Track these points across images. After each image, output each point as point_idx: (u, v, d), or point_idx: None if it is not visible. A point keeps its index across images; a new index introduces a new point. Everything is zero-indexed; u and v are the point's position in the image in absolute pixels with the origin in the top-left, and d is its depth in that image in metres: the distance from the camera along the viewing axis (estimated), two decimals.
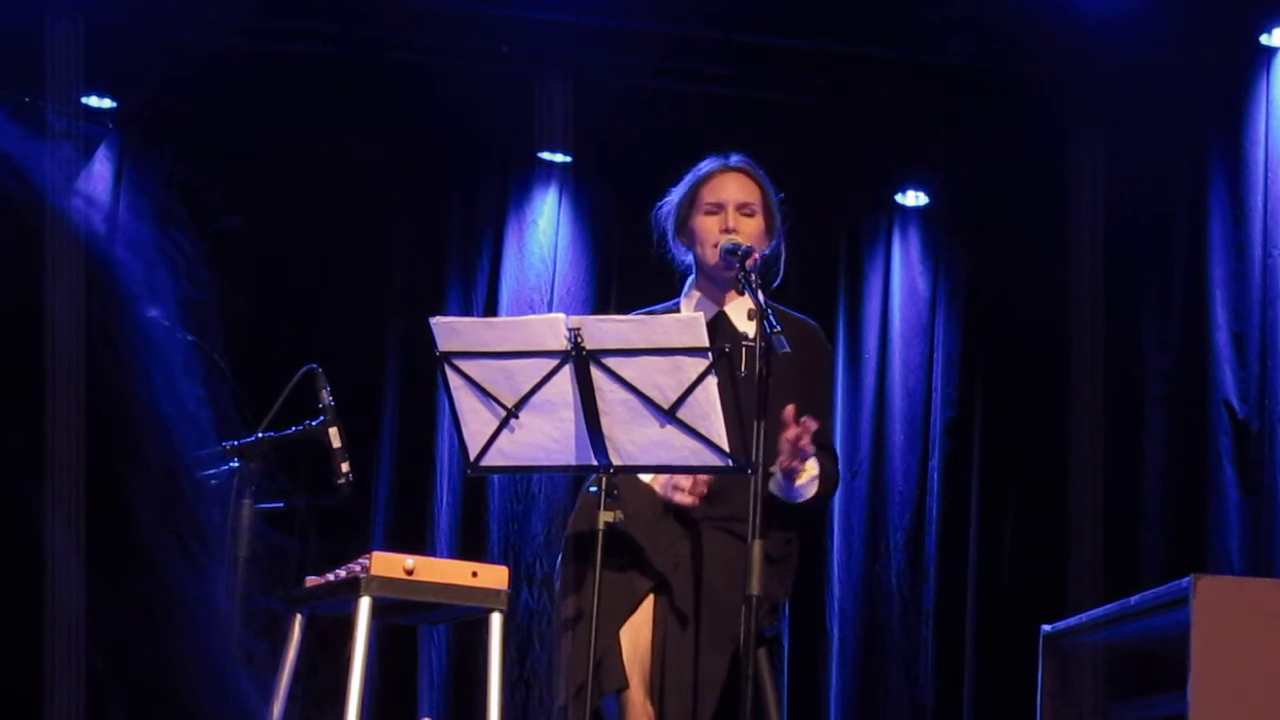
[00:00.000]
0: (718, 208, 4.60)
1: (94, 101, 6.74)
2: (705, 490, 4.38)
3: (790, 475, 4.33)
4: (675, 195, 4.71)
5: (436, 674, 6.71)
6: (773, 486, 4.35)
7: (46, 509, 0.64)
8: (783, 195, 4.70)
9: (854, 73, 6.91)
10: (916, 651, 6.81)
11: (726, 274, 4.56)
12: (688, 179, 4.70)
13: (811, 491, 4.43)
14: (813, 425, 4.25)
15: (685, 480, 4.37)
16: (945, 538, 6.83)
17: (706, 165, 4.70)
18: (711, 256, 4.55)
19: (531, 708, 6.51)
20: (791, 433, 4.23)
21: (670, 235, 4.71)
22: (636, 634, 4.30)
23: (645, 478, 4.42)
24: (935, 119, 6.99)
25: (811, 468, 4.39)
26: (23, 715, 0.63)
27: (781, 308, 4.53)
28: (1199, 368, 6.01)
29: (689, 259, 4.69)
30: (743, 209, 4.60)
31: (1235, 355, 5.93)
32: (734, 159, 4.70)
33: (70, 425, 0.66)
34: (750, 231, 4.57)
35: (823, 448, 4.57)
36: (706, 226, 4.59)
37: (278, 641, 4.39)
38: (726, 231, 4.55)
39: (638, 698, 4.27)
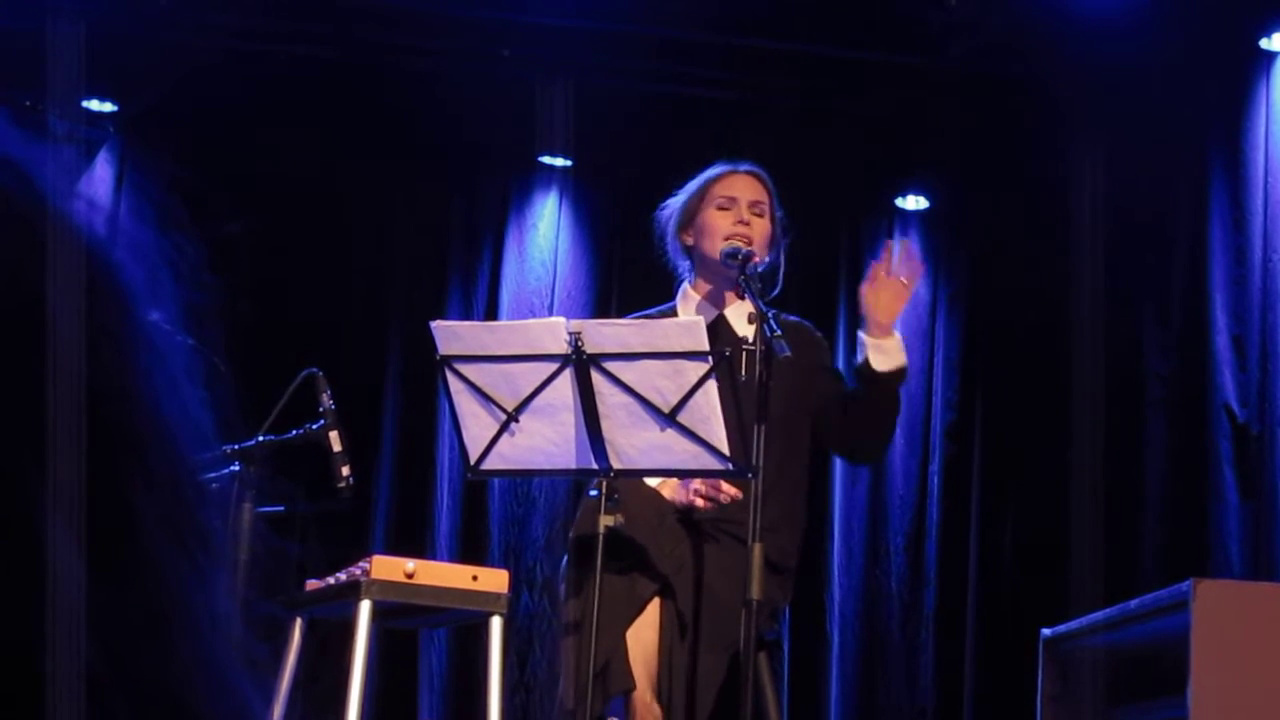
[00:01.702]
0: (731, 202, 4.63)
1: (95, 105, 6.75)
2: (730, 496, 4.37)
3: (884, 330, 4.42)
4: (681, 196, 4.72)
5: (437, 678, 6.71)
6: (872, 356, 4.42)
7: (49, 511, 0.64)
8: (782, 213, 4.72)
9: (854, 77, 6.91)
10: (916, 655, 6.81)
11: (729, 272, 4.56)
12: (698, 179, 4.71)
13: (903, 358, 4.49)
14: (913, 261, 4.40)
15: (705, 486, 4.37)
16: (945, 541, 6.83)
17: (718, 167, 4.73)
18: (719, 249, 4.57)
19: (532, 711, 6.51)
20: (883, 268, 4.36)
21: (671, 234, 4.71)
22: (643, 636, 4.30)
23: (654, 482, 4.42)
24: (935, 123, 6.99)
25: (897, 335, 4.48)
26: (25, 718, 0.63)
27: (777, 312, 4.53)
28: (1199, 372, 6.01)
29: (686, 263, 4.70)
30: (754, 207, 4.63)
31: (1235, 359, 5.93)
32: (745, 165, 4.72)
33: (72, 428, 0.66)
34: (760, 231, 4.60)
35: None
36: (717, 220, 4.61)
37: (279, 645, 4.39)
38: (740, 223, 4.57)
39: (645, 699, 4.27)
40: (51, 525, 0.64)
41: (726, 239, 4.55)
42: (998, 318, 6.91)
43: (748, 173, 4.70)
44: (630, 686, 4.25)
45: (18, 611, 0.64)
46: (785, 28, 6.71)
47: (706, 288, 4.67)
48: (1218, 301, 6.00)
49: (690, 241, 4.67)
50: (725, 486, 4.35)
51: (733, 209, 4.61)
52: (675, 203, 4.73)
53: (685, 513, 4.42)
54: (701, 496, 4.36)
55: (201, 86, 6.70)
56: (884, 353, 4.47)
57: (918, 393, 6.99)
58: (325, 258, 6.93)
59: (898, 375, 4.51)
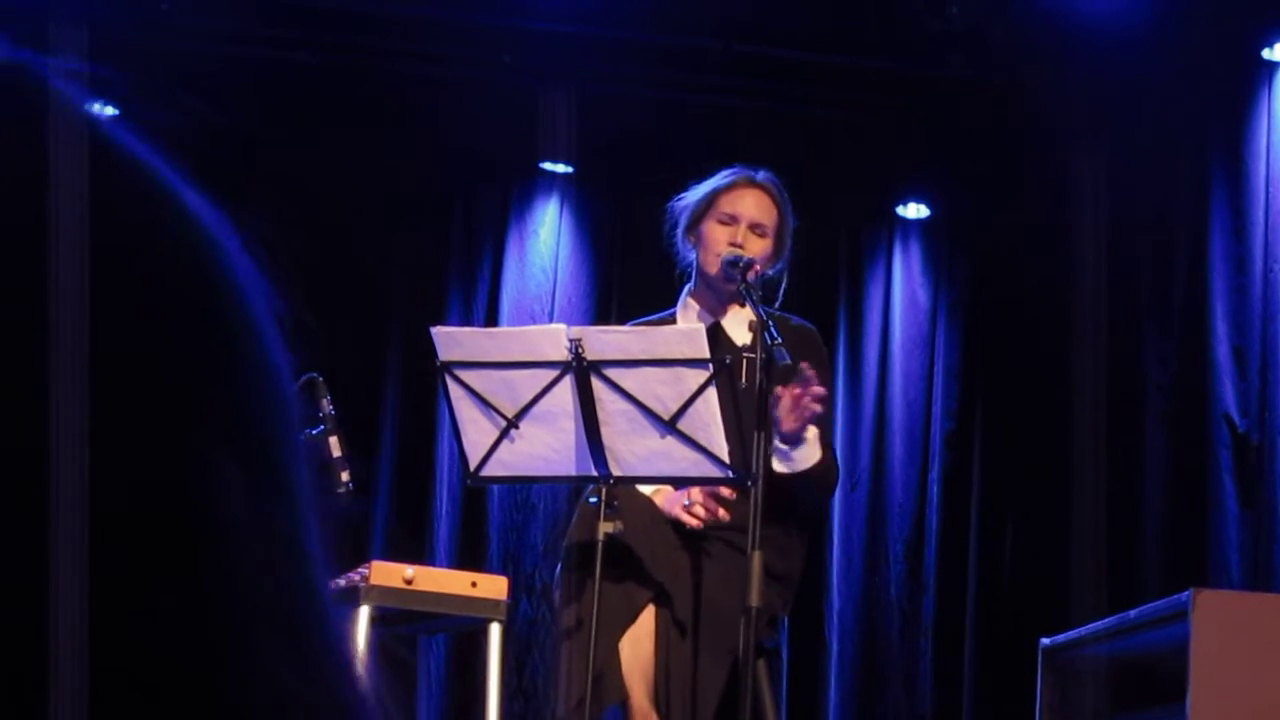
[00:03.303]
0: (732, 219, 4.58)
1: (96, 110, 6.74)
2: (719, 519, 4.35)
3: (793, 439, 4.31)
4: (694, 194, 4.67)
5: (435, 684, 6.71)
6: (775, 462, 4.34)
7: (50, 503, 0.63)
8: (798, 224, 4.69)
9: (855, 85, 6.92)
10: (915, 663, 6.81)
11: (726, 286, 4.55)
12: (711, 181, 4.66)
13: (815, 457, 4.41)
14: (817, 388, 4.24)
15: (699, 505, 4.35)
16: (945, 550, 6.83)
17: (732, 174, 4.65)
18: (713, 265, 4.55)
19: (530, 718, 6.51)
20: (795, 392, 4.23)
21: (680, 231, 4.69)
22: (638, 645, 4.29)
23: (646, 490, 4.42)
24: (936, 132, 6.99)
25: (811, 430, 4.38)
26: (25, 715, 0.62)
27: (780, 314, 4.52)
28: (1199, 381, 6.01)
29: (691, 257, 4.68)
30: (756, 228, 4.57)
31: (1236, 369, 5.93)
32: (761, 175, 4.66)
33: (74, 392, 0.65)
34: (757, 251, 4.54)
35: (824, 445, 4.56)
36: (715, 235, 4.58)
37: None
38: (734, 244, 4.53)
39: (643, 707, 4.27)
40: (54, 532, 0.63)
41: (719, 255, 4.53)
42: (998, 326, 6.91)
43: (761, 187, 4.63)
44: (622, 697, 4.24)
45: (19, 600, 0.63)
46: (787, 36, 6.71)
47: (705, 296, 4.65)
48: (1218, 311, 6.01)
49: (693, 243, 4.66)
50: (714, 506, 4.34)
51: (732, 226, 4.57)
52: (688, 199, 4.69)
53: (679, 521, 4.41)
54: (694, 515, 4.34)
55: (202, 92, 6.70)
56: (788, 459, 4.40)
57: (917, 401, 6.99)
58: (326, 262, 6.92)
59: (807, 473, 4.43)
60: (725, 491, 4.33)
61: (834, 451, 4.74)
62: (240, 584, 0.66)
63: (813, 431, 4.39)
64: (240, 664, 0.65)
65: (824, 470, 4.47)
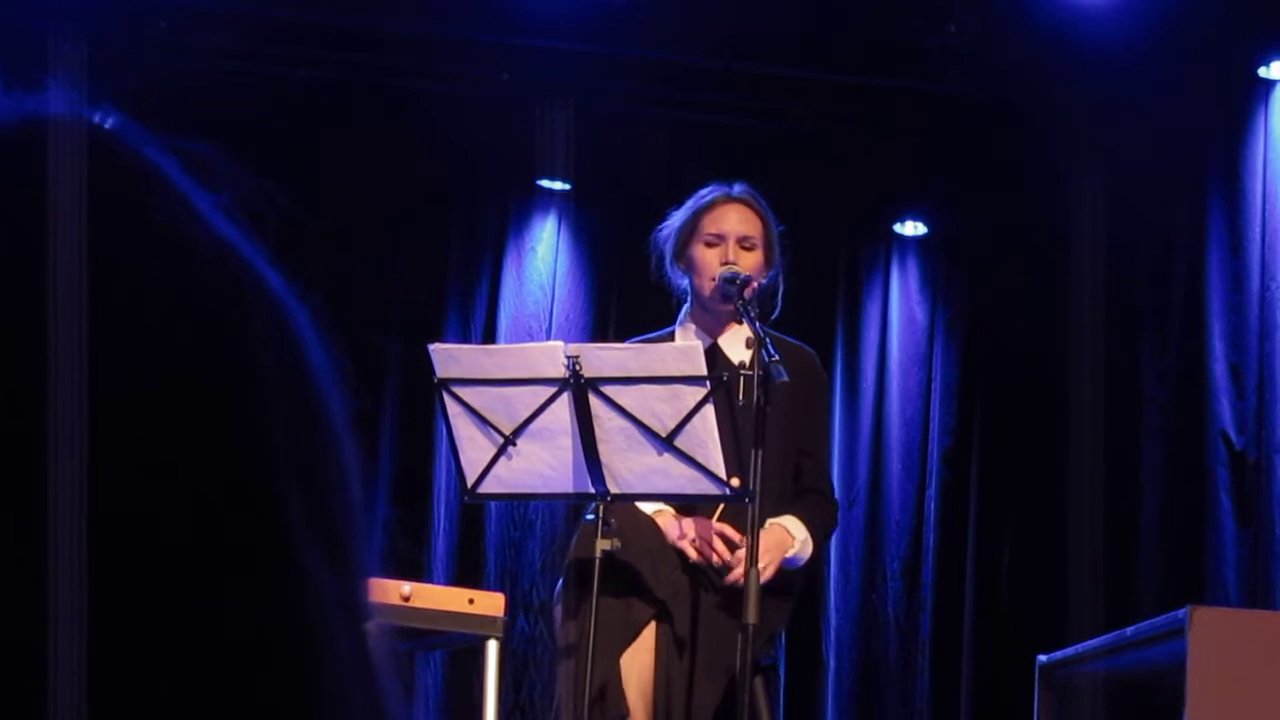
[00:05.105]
0: (718, 239, 4.57)
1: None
2: (718, 561, 4.35)
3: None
4: (676, 220, 4.68)
5: (432, 701, 6.70)
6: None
7: (48, 514, 0.63)
8: (784, 228, 4.69)
9: (853, 102, 6.93)
10: (913, 681, 6.80)
11: (723, 306, 4.54)
12: (689, 204, 4.66)
13: (806, 554, 4.47)
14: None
15: (699, 539, 4.36)
16: (942, 567, 6.83)
17: (709, 193, 4.65)
18: (708, 288, 4.54)
19: None
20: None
21: (668, 260, 4.69)
22: (639, 662, 4.29)
23: (649, 509, 4.41)
24: (934, 149, 7.00)
25: (796, 532, 4.42)
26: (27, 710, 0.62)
27: (779, 335, 4.52)
28: (1197, 399, 6.02)
29: (685, 284, 4.68)
30: (743, 242, 4.57)
31: (1233, 387, 5.94)
32: (737, 189, 4.65)
33: (73, 401, 0.65)
34: (749, 265, 4.54)
35: (814, 490, 4.57)
36: (706, 257, 4.57)
37: None
38: (726, 263, 4.53)
39: None
40: (52, 544, 0.63)
41: (713, 278, 4.53)
42: (996, 343, 6.91)
43: (740, 201, 4.62)
44: (624, 713, 4.24)
45: (16, 604, 0.63)
46: (785, 53, 6.72)
47: (702, 317, 4.65)
48: (1215, 329, 6.01)
49: (683, 269, 4.66)
50: (719, 547, 4.34)
51: (720, 246, 4.57)
52: (671, 226, 4.69)
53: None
54: (694, 548, 4.35)
55: (202, 108, 6.71)
56: (793, 562, 4.46)
57: (915, 418, 6.99)
58: (322, 279, 6.92)
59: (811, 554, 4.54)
60: (735, 535, 4.33)
61: (831, 484, 4.74)
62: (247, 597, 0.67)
63: (800, 531, 4.43)
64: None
65: (820, 540, 4.57)
